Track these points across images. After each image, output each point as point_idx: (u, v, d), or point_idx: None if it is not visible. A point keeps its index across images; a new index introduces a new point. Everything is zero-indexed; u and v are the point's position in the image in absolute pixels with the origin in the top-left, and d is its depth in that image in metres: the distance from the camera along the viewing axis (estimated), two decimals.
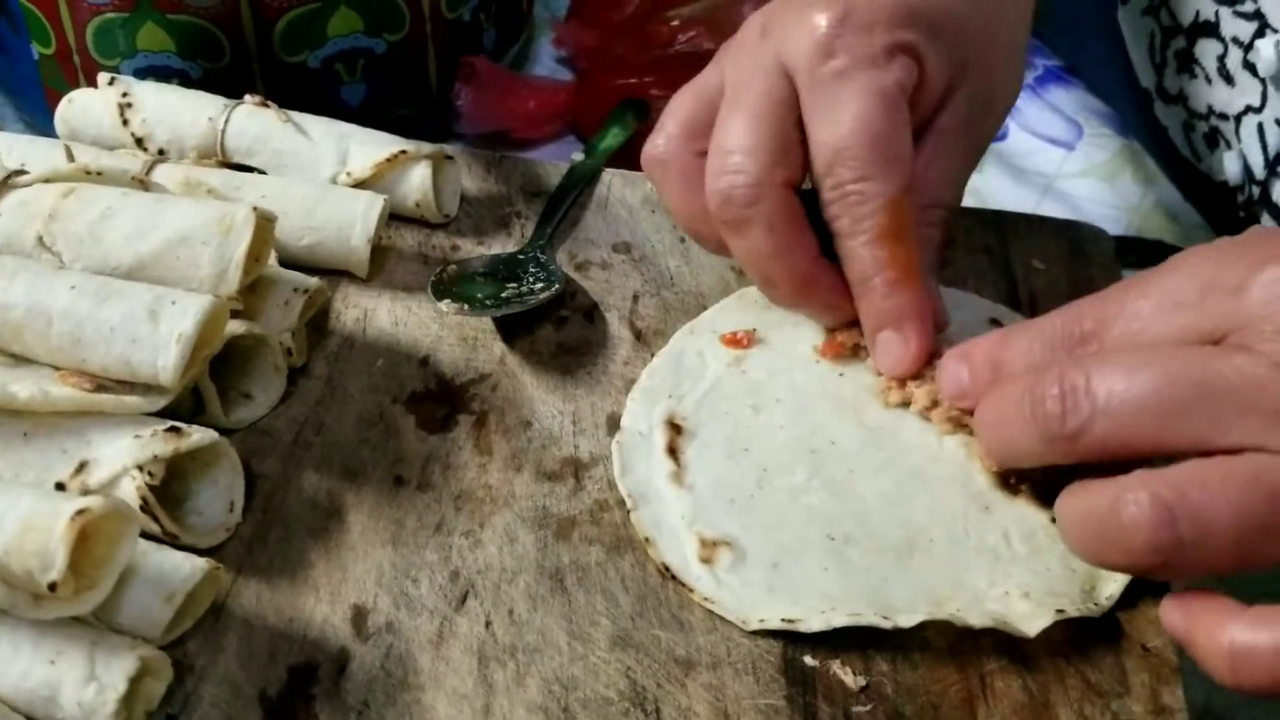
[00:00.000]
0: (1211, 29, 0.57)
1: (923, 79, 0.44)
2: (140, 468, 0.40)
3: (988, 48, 0.47)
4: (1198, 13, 0.58)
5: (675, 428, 0.45)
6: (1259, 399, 0.34)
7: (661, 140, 0.47)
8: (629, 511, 0.43)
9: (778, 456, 0.44)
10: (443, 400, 0.47)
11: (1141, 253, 0.65)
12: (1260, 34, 0.54)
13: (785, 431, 0.45)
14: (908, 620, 0.38)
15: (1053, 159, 0.69)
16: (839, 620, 0.39)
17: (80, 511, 0.34)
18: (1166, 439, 0.35)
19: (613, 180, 0.57)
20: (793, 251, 0.44)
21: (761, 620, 0.39)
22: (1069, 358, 0.39)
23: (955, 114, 0.46)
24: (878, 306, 0.44)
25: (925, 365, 0.44)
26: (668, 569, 0.41)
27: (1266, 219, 0.58)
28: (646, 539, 0.42)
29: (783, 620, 0.39)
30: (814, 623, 0.39)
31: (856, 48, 0.43)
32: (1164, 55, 0.61)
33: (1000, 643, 0.39)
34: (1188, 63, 0.59)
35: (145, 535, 0.39)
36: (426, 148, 0.53)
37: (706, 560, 0.41)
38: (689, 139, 0.46)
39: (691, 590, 0.41)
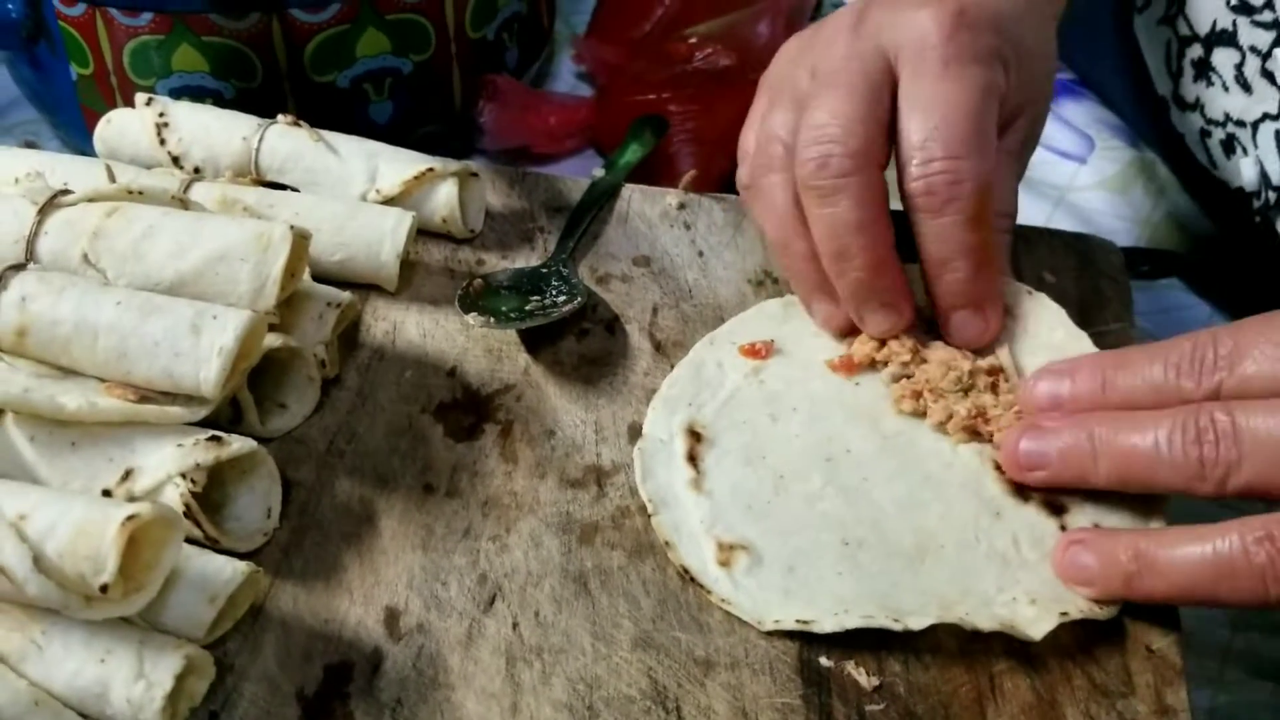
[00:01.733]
0: (1229, 38, 0.58)
1: (1006, 92, 0.47)
2: (183, 475, 0.41)
3: (1045, 79, 0.50)
4: (1215, 22, 0.59)
5: (695, 435, 0.46)
6: None
7: (745, 170, 0.49)
8: (650, 516, 0.44)
9: (794, 464, 0.45)
10: (469, 410, 0.49)
11: (1153, 263, 0.66)
12: (1278, 43, 0.55)
13: (802, 439, 0.46)
14: (917, 623, 0.40)
15: (1065, 172, 0.70)
16: (851, 622, 0.40)
17: (130, 517, 0.36)
18: None
19: (632, 195, 0.58)
20: (876, 228, 0.45)
21: (777, 621, 0.41)
22: (1198, 388, 0.39)
23: (1017, 135, 0.49)
24: (960, 287, 0.45)
25: (940, 378, 0.46)
26: (687, 571, 0.43)
27: None
28: (667, 543, 0.43)
29: (797, 621, 0.41)
30: (827, 624, 0.40)
31: (968, 43, 0.45)
32: (1180, 63, 0.62)
33: (1009, 644, 0.41)
34: (1204, 70, 0.60)
35: (188, 540, 0.41)
36: (453, 165, 0.55)
37: (724, 564, 0.42)
38: (792, 129, 0.47)
39: (709, 592, 0.42)
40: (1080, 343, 0.47)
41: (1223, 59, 0.58)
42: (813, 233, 0.46)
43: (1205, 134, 0.62)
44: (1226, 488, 0.37)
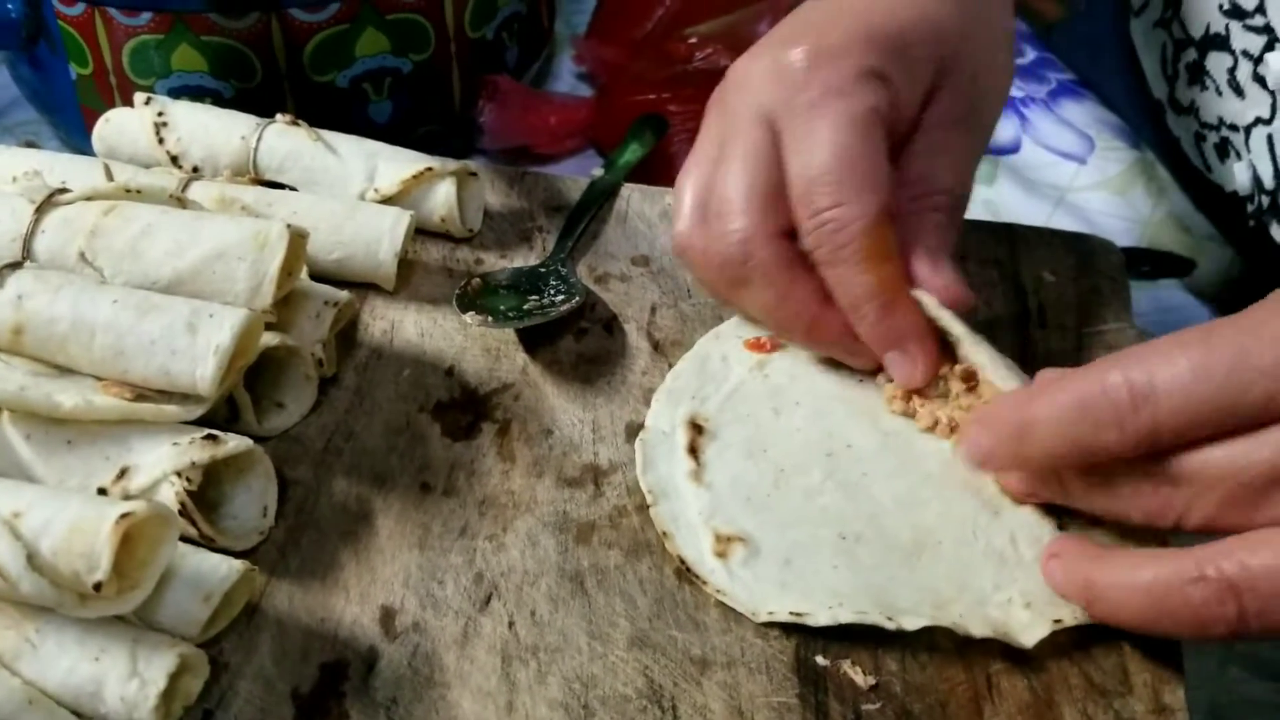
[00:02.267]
0: (1222, 42, 0.58)
1: (896, 97, 0.45)
2: (179, 474, 0.41)
3: (967, 46, 0.47)
4: (1208, 26, 0.58)
5: (697, 428, 0.46)
6: None
7: (684, 228, 0.46)
8: (649, 506, 0.44)
9: (795, 458, 0.45)
10: (467, 409, 0.49)
11: (1153, 263, 0.66)
12: (1270, 47, 0.55)
13: (803, 434, 0.46)
14: (912, 624, 0.40)
15: (1065, 172, 0.70)
16: (845, 616, 0.40)
17: (124, 515, 0.36)
18: None
19: (632, 195, 0.58)
20: (794, 297, 0.45)
21: (771, 612, 0.41)
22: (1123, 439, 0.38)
23: (942, 110, 0.47)
24: (875, 330, 0.45)
25: (937, 377, 0.46)
26: (683, 562, 0.42)
27: (1276, 229, 0.58)
28: (664, 533, 0.43)
29: (791, 613, 0.40)
30: (821, 617, 0.40)
31: (827, 79, 0.43)
32: (1175, 67, 0.62)
33: (1006, 644, 0.41)
34: (1198, 74, 0.60)
35: (183, 538, 0.41)
36: (451, 164, 0.55)
37: (721, 555, 0.42)
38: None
39: (705, 583, 0.42)
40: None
41: (1216, 63, 0.58)
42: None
43: (1200, 137, 0.62)
44: (1235, 630, 0.36)
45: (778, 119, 0.44)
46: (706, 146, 0.46)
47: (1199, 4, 0.59)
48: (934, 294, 0.45)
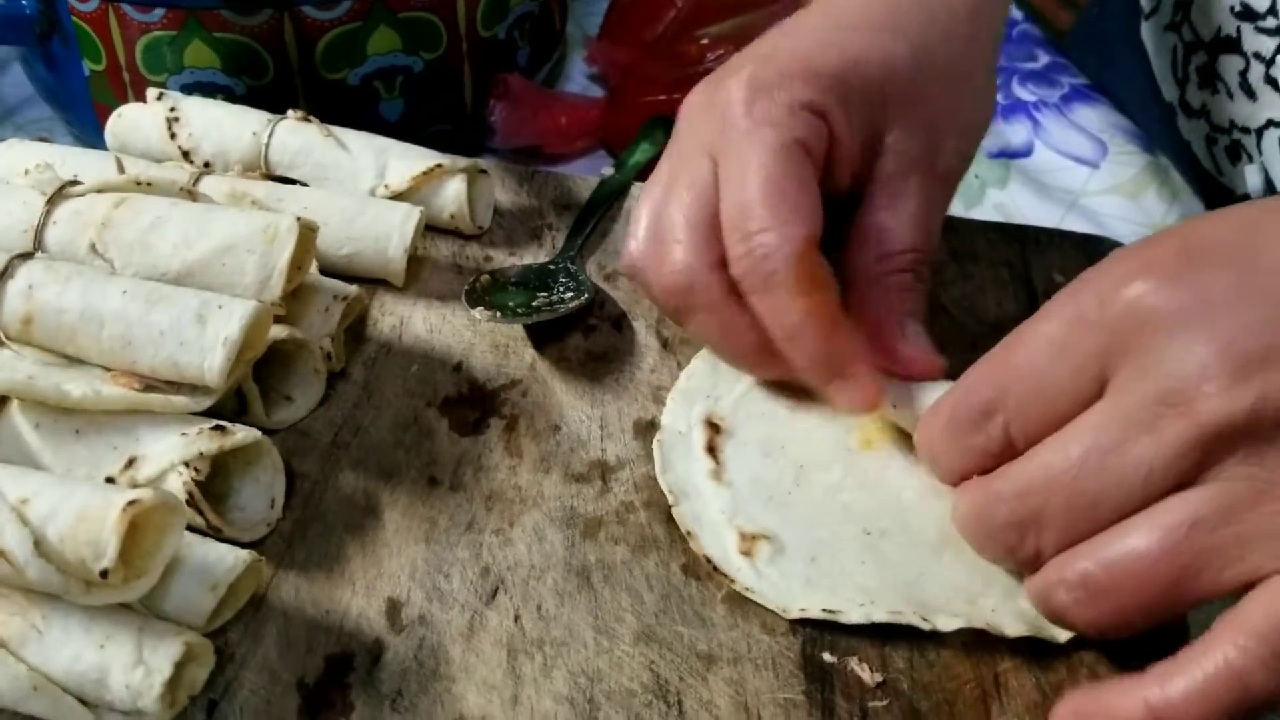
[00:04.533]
0: (1233, 44, 0.57)
1: (834, 135, 0.44)
2: (186, 464, 0.41)
3: (922, 84, 0.45)
4: (1219, 28, 0.58)
5: (714, 427, 0.46)
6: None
7: (635, 250, 0.46)
8: (671, 506, 0.44)
9: (814, 455, 0.45)
10: (475, 404, 0.49)
11: None
12: None
13: (821, 431, 0.46)
14: (946, 624, 0.40)
15: (1078, 176, 0.70)
16: (879, 615, 0.40)
17: (131, 503, 0.36)
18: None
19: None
20: (738, 326, 0.44)
21: (802, 610, 0.41)
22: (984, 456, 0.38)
23: (895, 156, 0.45)
24: (812, 359, 0.43)
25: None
26: (709, 560, 0.42)
27: None
28: (688, 532, 0.43)
29: (824, 611, 0.40)
30: (854, 615, 0.40)
31: (760, 111, 0.43)
32: (1186, 70, 0.62)
33: (1014, 642, 0.40)
34: (1210, 77, 0.60)
35: (190, 529, 0.41)
36: (462, 162, 0.55)
37: (746, 553, 0.42)
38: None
39: (733, 581, 0.42)
40: None
41: (1227, 66, 0.58)
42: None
43: (1211, 140, 0.61)
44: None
45: (716, 151, 0.44)
46: (662, 172, 0.46)
47: (1210, 6, 0.59)
48: (904, 365, 0.44)
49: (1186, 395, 0.34)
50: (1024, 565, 0.39)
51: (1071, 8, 0.76)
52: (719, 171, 0.44)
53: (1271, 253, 0.35)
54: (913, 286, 0.45)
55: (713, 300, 0.43)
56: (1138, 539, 0.34)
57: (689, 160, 0.44)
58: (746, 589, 0.42)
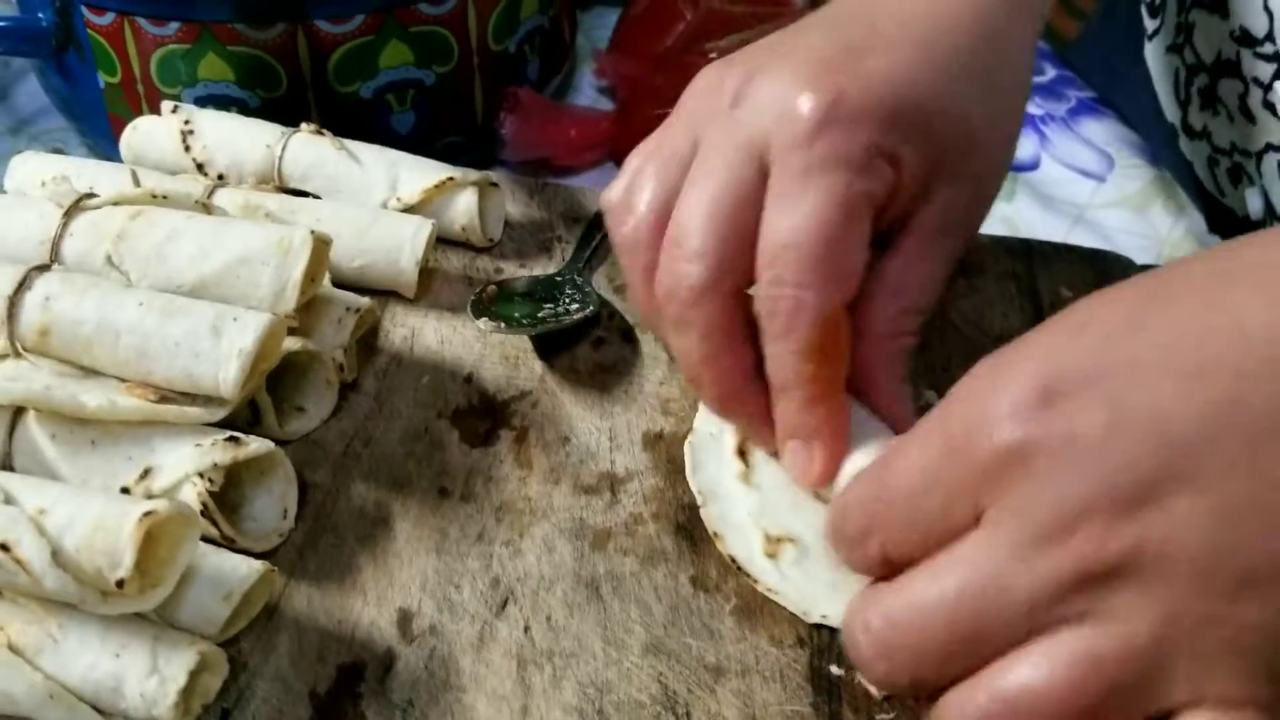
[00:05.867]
0: (1233, 68, 0.58)
1: (898, 183, 0.41)
2: (201, 475, 0.42)
3: (978, 141, 0.43)
4: (1219, 52, 0.58)
5: None
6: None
7: (631, 223, 0.43)
8: (699, 507, 0.44)
9: None
10: (485, 416, 0.49)
11: None
12: (1279, 75, 0.55)
13: None
14: None
15: (1084, 190, 0.70)
16: None
17: (147, 513, 0.36)
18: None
19: None
20: (722, 363, 0.42)
21: (824, 615, 0.41)
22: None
23: (935, 213, 0.43)
24: (793, 417, 0.41)
25: None
26: (734, 561, 0.43)
27: None
28: (715, 534, 0.44)
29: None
30: None
31: (837, 143, 0.39)
32: (1188, 92, 0.62)
33: None
34: (1211, 100, 0.60)
35: (204, 539, 0.41)
36: (473, 174, 0.55)
37: (771, 555, 0.43)
38: (659, 225, 0.42)
39: (756, 581, 0.42)
40: None
41: (1227, 89, 0.58)
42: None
43: (1213, 162, 0.62)
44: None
45: (771, 163, 0.40)
46: (678, 144, 0.43)
47: (1210, 30, 0.59)
48: (891, 424, 0.42)
49: (1065, 532, 0.31)
50: (918, 690, 0.35)
51: (1078, 17, 0.77)
52: (770, 189, 0.40)
53: (1143, 375, 0.31)
54: (911, 348, 0.44)
55: (711, 330, 0.41)
56: (1036, 671, 0.31)
57: (730, 154, 0.41)
58: (769, 590, 0.42)
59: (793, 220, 0.39)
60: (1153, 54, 0.65)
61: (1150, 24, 0.65)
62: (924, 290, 0.43)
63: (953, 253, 0.44)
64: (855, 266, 0.40)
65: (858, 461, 0.41)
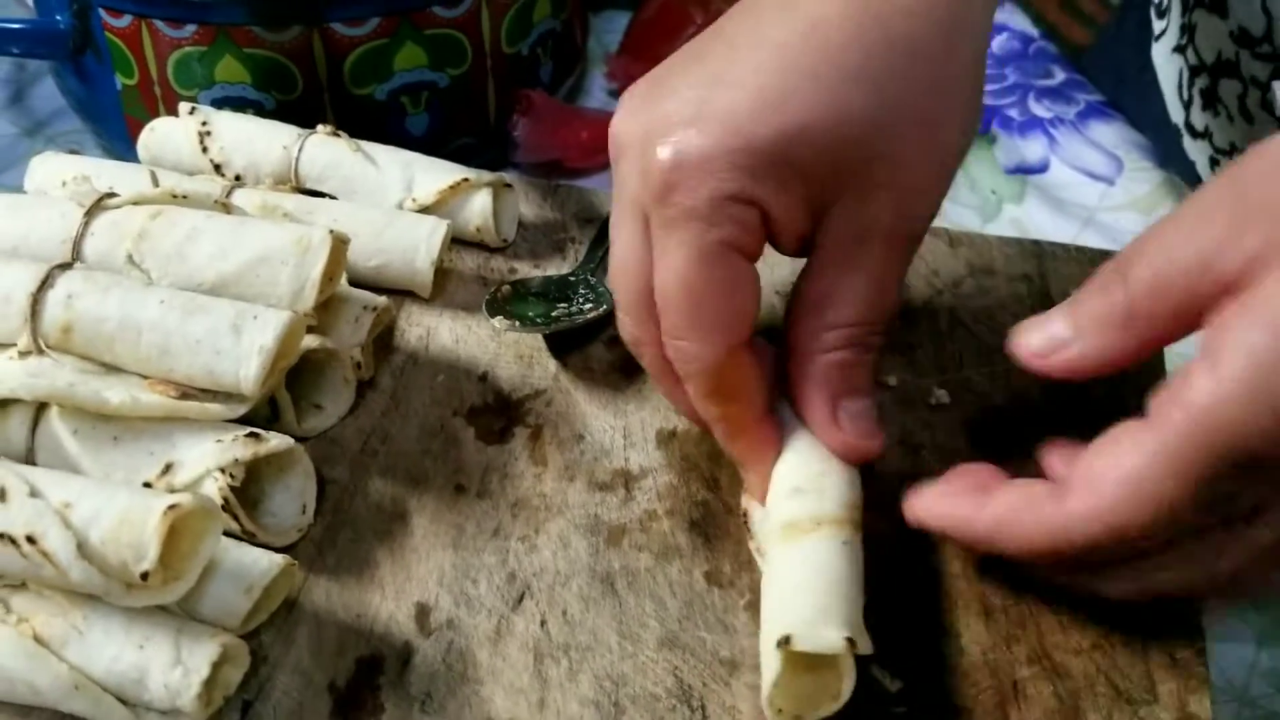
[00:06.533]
0: (1233, 69, 0.58)
1: (769, 217, 0.40)
2: (222, 470, 0.42)
3: (883, 140, 0.40)
4: (1220, 52, 0.59)
5: None
6: None
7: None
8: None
9: None
10: (500, 414, 0.50)
11: None
12: (1276, 75, 0.56)
13: None
14: None
15: (1093, 192, 0.70)
16: None
17: (171, 507, 0.37)
18: None
19: None
20: (675, 396, 0.45)
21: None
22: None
23: (842, 226, 0.41)
24: (724, 446, 0.44)
25: None
26: (760, 553, 0.43)
27: None
28: (744, 511, 0.45)
29: None
30: None
31: (685, 196, 0.39)
32: (1190, 92, 0.62)
33: (1033, 651, 0.41)
34: (1211, 100, 0.60)
35: (225, 533, 0.41)
36: (487, 176, 0.56)
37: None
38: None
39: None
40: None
41: (1227, 90, 0.59)
42: None
43: (1215, 162, 0.62)
44: None
45: (648, 218, 0.41)
46: (614, 217, 0.44)
47: (1211, 31, 0.59)
48: (832, 448, 0.42)
49: None
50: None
51: (1089, 25, 0.77)
52: (651, 245, 0.41)
53: None
54: (856, 361, 0.42)
55: (654, 369, 0.44)
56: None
57: (625, 213, 0.42)
58: None
59: (662, 276, 0.40)
60: (1159, 55, 0.66)
61: (1157, 25, 0.66)
62: (853, 304, 0.42)
63: (882, 263, 0.42)
64: (732, 310, 0.40)
65: (779, 472, 0.43)
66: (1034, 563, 0.39)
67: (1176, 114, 0.64)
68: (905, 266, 0.43)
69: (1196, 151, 0.64)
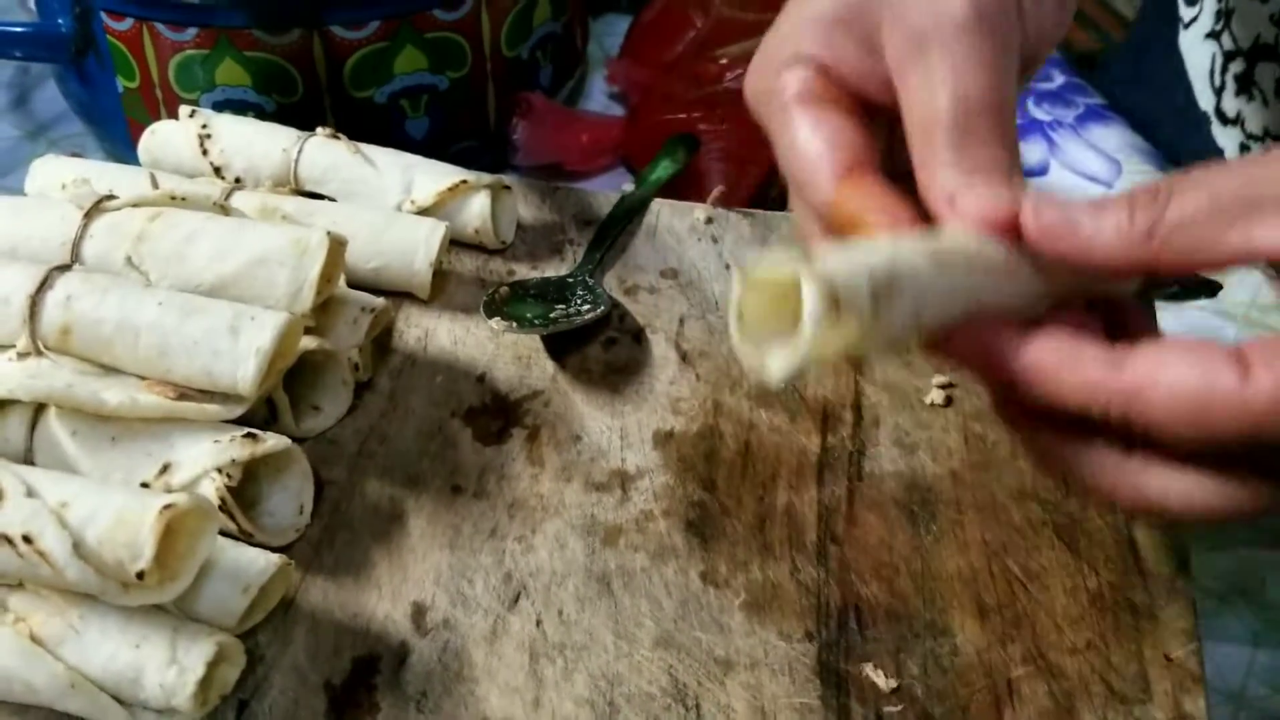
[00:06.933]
0: (1270, 51, 0.58)
1: (828, 68, 0.40)
2: (219, 470, 0.43)
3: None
4: (1258, 36, 0.59)
5: None
6: None
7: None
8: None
9: None
10: (498, 415, 0.50)
11: (1181, 285, 0.67)
12: None
13: None
14: None
15: (1093, 195, 0.71)
16: None
17: (168, 506, 0.37)
18: None
19: (661, 209, 0.59)
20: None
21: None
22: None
23: (897, 43, 0.39)
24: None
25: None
26: None
27: None
28: None
29: None
30: None
31: (758, 90, 0.42)
32: (1223, 78, 0.63)
33: (1028, 650, 0.41)
34: (1246, 84, 0.61)
35: (222, 533, 0.42)
36: (486, 178, 0.56)
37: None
38: None
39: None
40: None
41: (1264, 73, 0.59)
42: None
43: (1245, 149, 0.62)
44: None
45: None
46: None
47: (1250, 14, 0.60)
48: (963, 221, 0.36)
49: None
50: None
51: (1099, 34, 0.77)
52: None
53: None
54: (964, 129, 0.37)
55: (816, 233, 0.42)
56: None
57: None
58: None
59: (777, 155, 0.41)
60: (1189, 43, 0.66)
61: (1187, 13, 0.66)
62: (935, 96, 0.38)
63: (959, 56, 0.38)
64: (821, 154, 0.39)
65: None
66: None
67: (1206, 101, 0.64)
68: (1001, 59, 0.38)
69: (1226, 138, 0.64)
